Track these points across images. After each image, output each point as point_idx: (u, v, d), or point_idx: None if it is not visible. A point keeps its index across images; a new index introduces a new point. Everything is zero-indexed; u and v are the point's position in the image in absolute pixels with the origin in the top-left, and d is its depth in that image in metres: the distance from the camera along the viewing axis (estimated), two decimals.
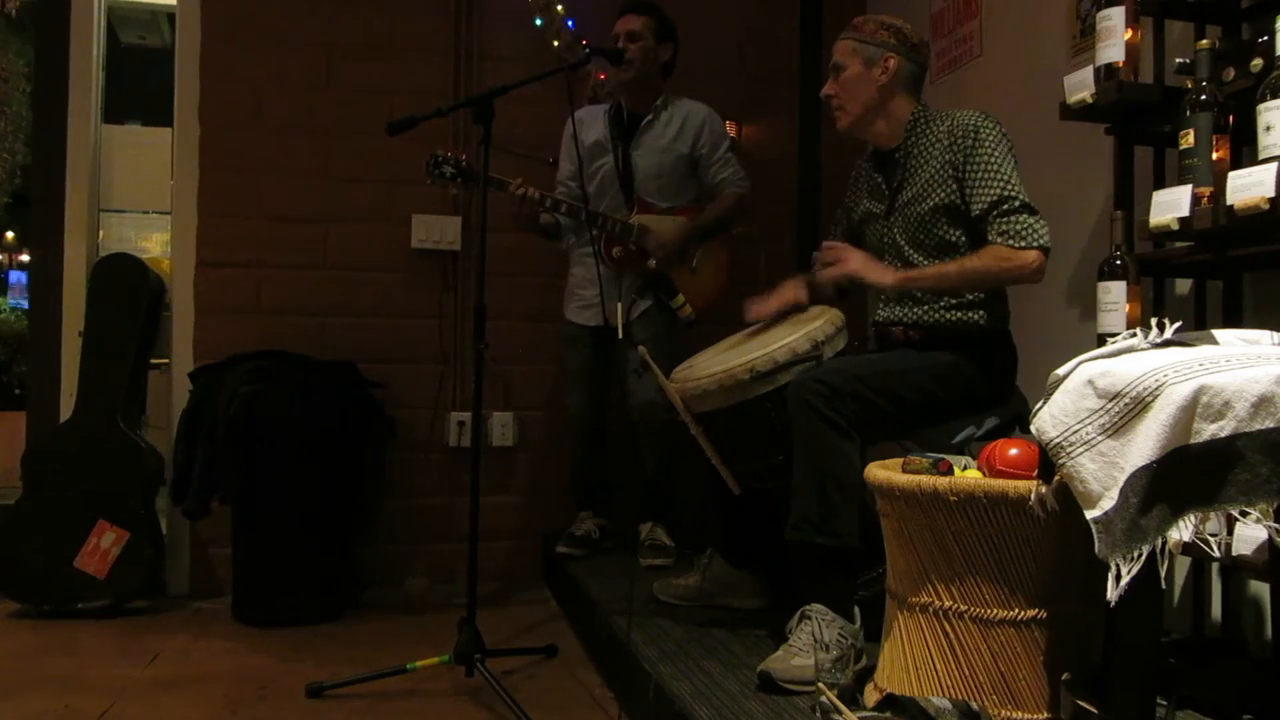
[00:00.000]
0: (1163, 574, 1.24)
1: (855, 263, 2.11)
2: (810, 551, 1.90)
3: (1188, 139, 1.72)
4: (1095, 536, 1.23)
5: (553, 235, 3.03)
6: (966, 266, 2.02)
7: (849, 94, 2.16)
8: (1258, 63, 1.70)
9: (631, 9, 2.94)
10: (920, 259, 2.12)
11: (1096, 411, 1.27)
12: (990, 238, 2.01)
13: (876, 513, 1.73)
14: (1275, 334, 1.37)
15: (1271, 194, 1.53)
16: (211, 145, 3.23)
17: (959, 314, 2.09)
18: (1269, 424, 1.19)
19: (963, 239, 2.08)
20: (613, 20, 2.96)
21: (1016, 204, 1.99)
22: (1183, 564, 2.06)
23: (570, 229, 3.02)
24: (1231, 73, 1.77)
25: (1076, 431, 1.28)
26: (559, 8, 3.39)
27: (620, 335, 2.80)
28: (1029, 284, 2.03)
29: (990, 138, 2.02)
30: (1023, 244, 1.97)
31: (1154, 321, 1.40)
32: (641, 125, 2.98)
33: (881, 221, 2.20)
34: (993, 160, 2.01)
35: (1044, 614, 1.55)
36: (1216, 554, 1.31)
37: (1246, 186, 1.57)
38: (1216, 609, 2.00)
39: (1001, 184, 2.00)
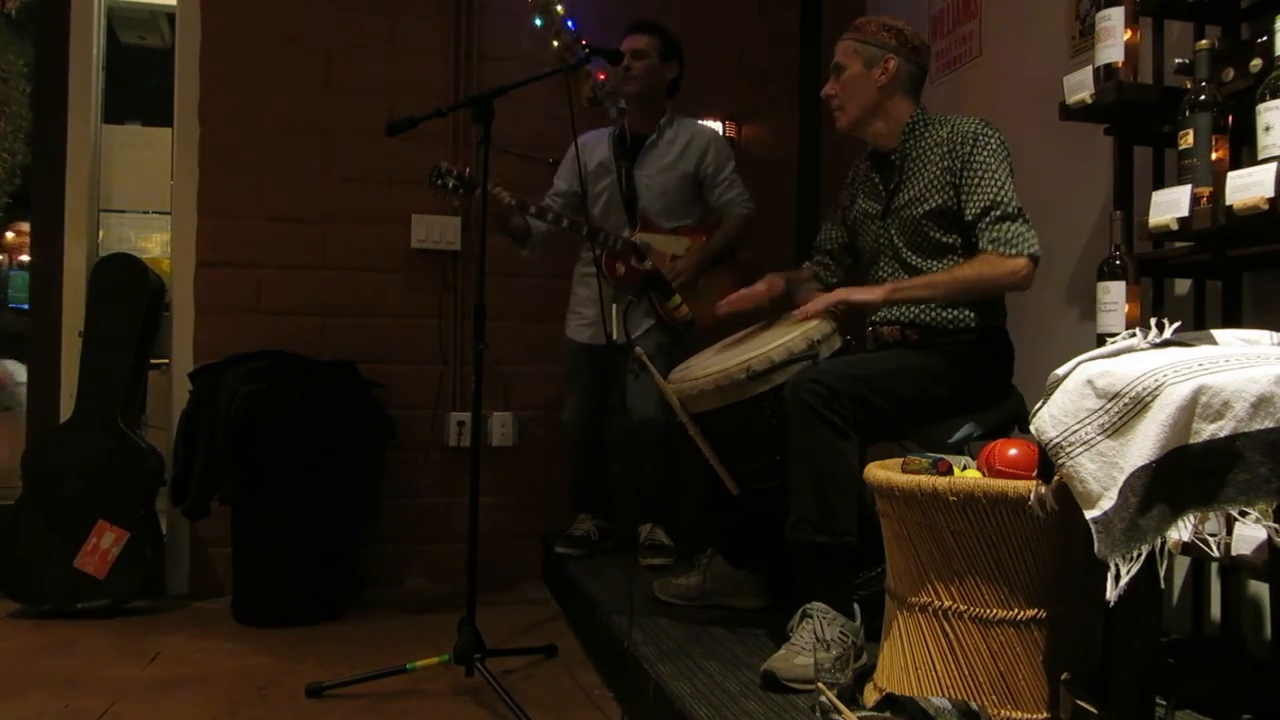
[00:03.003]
0: (1162, 574, 1.24)
1: (840, 290, 2.11)
2: (810, 551, 1.90)
3: (1187, 139, 1.72)
4: (1095, 536, 1.23)
5: (520, 240, 2.99)
6: (957, 275, 2.03)
7: (848, 94, 2.17)
8: (1257, 63, 1.70)
9: (637, 28, 2.95)
10: (916, 260, 2.13)
11: (1096, 411, 1.27)
12: (980, 245, 2.02)
13: (876, 512, 1.73)
14: (1275, 334, 1.37)
15: (1271, 194, 1.53)
16: (211, 145, 3.23)
17: (955, 313, 2.10)
18: (1268, 424, 1.19)
19: (958, 242, 2.09)
20: (613, 21, 2.98)
21: (1009, 210, 2.00)
22: (1182, 564, 2.06)
23: (540, 240, 3.00)
24: (1231, 73, 1.77)
25: (1076, 431, 1.28)
26: (559, 8, 3.39)
27: (615, 337, 2.80)
28: (1018, 291, 2.04)
29: (988, 145, 2.04)
30: (1012, 251, 1.98)
31: (1153, 321, 1.40)
32: (645, 145, 2.99)
33: (877, 222, 2.21)
34: (989, 166, 2.02)
35: (1044, 614, 1.55)
36: (1216, 554, 1.31)
37: (1246, 186, 1.57)
38: (1216, 609, 2.00)
39: (995, 190, 2.00)
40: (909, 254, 2.13)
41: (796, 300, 2.25)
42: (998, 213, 2.00)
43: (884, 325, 2.19)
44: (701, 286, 2.95)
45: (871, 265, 2.24)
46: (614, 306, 2.81)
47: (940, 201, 2.07)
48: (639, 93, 2.94)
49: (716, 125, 3.54)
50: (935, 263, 2.11)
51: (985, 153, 2.03)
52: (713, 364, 2.14)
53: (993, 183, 2.01)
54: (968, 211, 2.04)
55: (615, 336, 2.82)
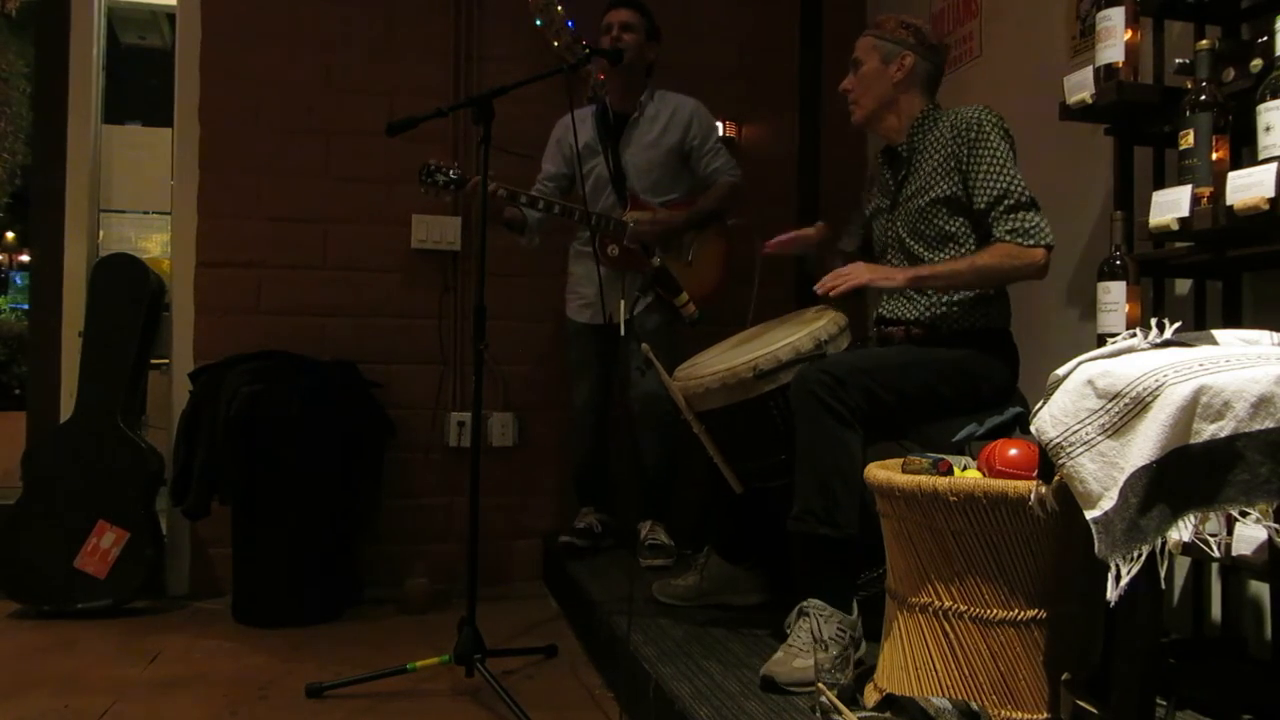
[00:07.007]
0: (1162, 574, 1.24)
1: (862, 274, 2.10)
2: (812, 543, 1.90)
3: (1187, 139, 1.72)
4: (1095, 537, 1.23)
5: (517, 229, 3.00)
6: (977, 264, 2.03)
7: (864, 89, 2.21)
8: (1257, 63, 1.70)
9: (622, 3, 2.96)
10: (921, 249, 2.13)
11: (1096, 412, 1.27)
12: (997, 233, 2.02)
13: (877, 512, 1.73)
14: (1275, 334, 1.37)
15: (1271, 194, 1.53)
16: (211, 145, 3.23)
17: (961, 312, 2.11)
18: (1269, 424, 1.19)
19: (963, 229, 2.09)
20: None
21: (1022, 199, 2.00)
22: (1183, 564, 2.06)
23: (536, 228, 3.01)
24: (1231, 73, 1.77)
25: (1076, 432, 1.28)
26: (559, 8, 3.39)
27: (623, 332, 2.80)
28: (1034, 280, 2.05)
29: (993, 131, 2.04)
30: (1031, 242, 1.99)
31: (1154, 321, 1.40)
32: (629, 123, 3.00)
33: (886, 216, 2.24)
34: (997, 154, 2.03)
35: (1044, 614, 1.55)
36: (1216, 554, 1.31)
37: (1246, 187, 1.57)
38: (1216, 609, 2.00)
39: (1007, 179, 2.01)
40: (913, 244, 2.14)
41: (824, 265, 2.29)
42: (1011, 201, 2.00)
43: (889, 325, 2.19)
44: (692, 258, 2.96)
45: (880, 259, 2.26)
46: (620, 301, 2.81)
47: (946, 189, 2.08)
48: (626, 66, 2.92)
49: (717, 125, 3.54)
50: (938, 254, 2.11)
51: (992, 139, 2.03)
52: (719, 362, 2.14)
53: (1003, 171, 2.02)
54: (979, 200, 2.04)
55: (622, 331, 2.82)
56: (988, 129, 2.04)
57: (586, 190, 2.96)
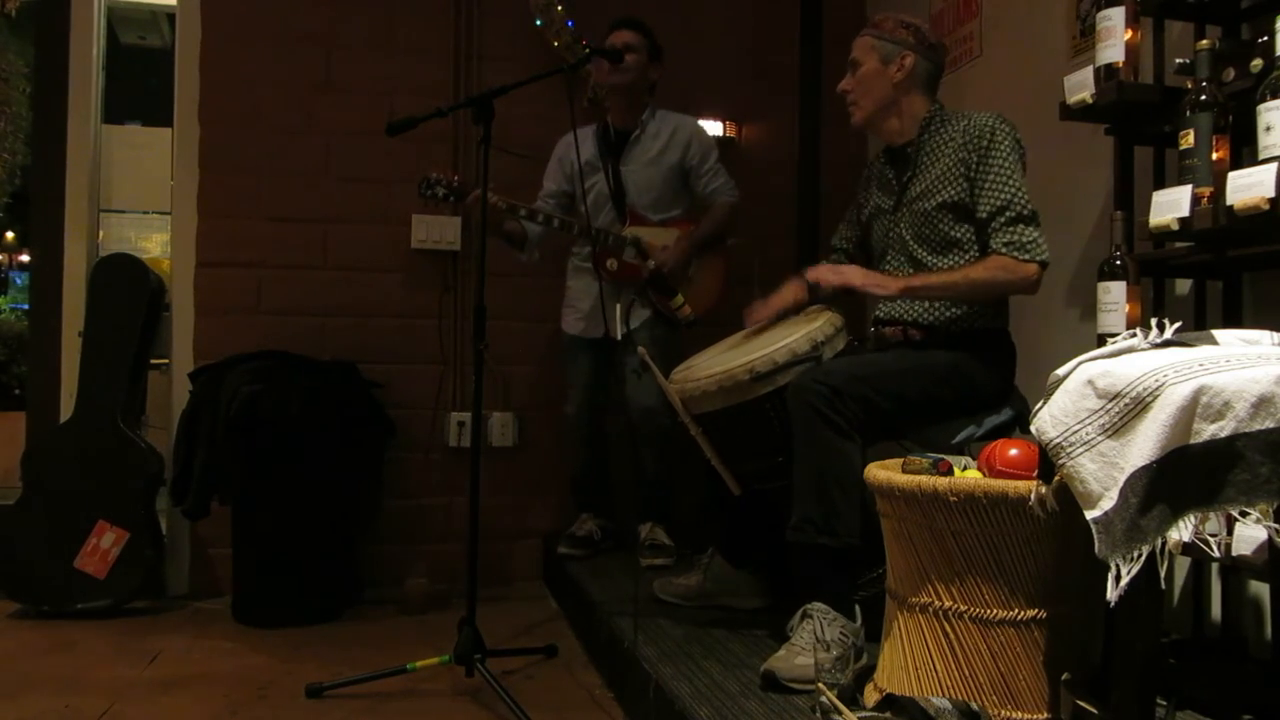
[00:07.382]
0: (1162, 574, 1.24)
1: (855, 277, 2.10)
2: (812, 552, 1.90)
3: (1187, 139, 1.72)
4: (1095, 537, 1.23)
5: (516, 244, 3.01)
6: (971, 277, 2.03)
7: (864, 90, 2.19)
8: (1258, 63, 1.70)
9: (626, 24, 2.97)
10: (925, 254, 2.13)
11: (1096, 412, 1.27)
12: (993, 245, 2.02)
13: (876, 512, 1.73)
14: (1275, 334, 1.37)
15: (1271, 194, 1.53)
16: (211, 145, 3.23)
17: (958, 314, 2.10)
18: (1269, 424, 1.19)
19: (968, 235, 2.09)
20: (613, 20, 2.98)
21: (1023, 212, 2.01)
22: (1183, 564, 2.06)
23: (536, 242, 3.03)
24: (1231, 73, 1.77)
25: (1076, 432, 1.28)
26: (559, 8, 3.39)
27: (619, 336, 2.80)
28: (1025, 295, 2.06)
29: (1006, 142, 2.05)
30: (1026, 256, 1.99)
31: (1154, 322, 1.40)
32: (630, 141, 3.01)
33: (889, 216, 2.22)
34: (1006, 165, 2.03)
35: (1044, 614, 1.55)
36: (1216, 554, 1.31)
37: (1246, 186, 1.57)
38: (1216, 609, 2.00)
39: (1012, 190, 2.01)
40: (916, 248, 2.14)
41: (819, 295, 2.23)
42: (1012, 214, 2.01)
43: (886, 325, 2.19)
44: (693, 274, 2.97)
45: (880, 260, 2.24)
46: (617, 306, 2.82)
47: (953, 194, 2.08)
48: (629, 85, 2.95)
49: (717, 125, 3.55)
50: (942, 259, 2.11)
51: (1004, 149, 2.04)
52: (715, 364, 2.14)
53: (1009, 182, 2.02)
54: (981, 209, 2.04)
55: (618, 335, 2.82)
56: (1000, 138, 2.04)
57: (587, 205, 2.97)
